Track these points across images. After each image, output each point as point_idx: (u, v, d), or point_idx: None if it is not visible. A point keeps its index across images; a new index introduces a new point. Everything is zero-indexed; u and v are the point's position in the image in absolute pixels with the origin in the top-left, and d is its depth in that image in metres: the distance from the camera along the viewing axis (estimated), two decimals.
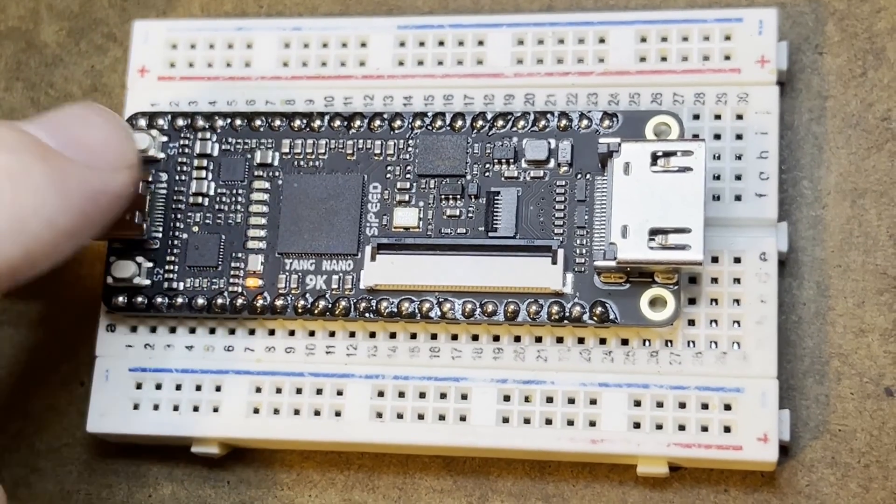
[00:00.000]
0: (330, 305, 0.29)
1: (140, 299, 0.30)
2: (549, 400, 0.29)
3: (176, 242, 0.30)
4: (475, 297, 0.29)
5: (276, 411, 0.30)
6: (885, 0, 0.31)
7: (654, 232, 0.27)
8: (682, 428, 0.28)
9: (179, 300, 0.30)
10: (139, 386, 0.30)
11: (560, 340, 0.29)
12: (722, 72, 0.30)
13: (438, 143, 0.30)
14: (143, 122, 0.31)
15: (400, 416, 0.29)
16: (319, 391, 0.30)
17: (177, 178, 0.31)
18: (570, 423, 0.28)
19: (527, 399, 0.29)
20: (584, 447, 0.28)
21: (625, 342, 0.29)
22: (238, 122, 0.31)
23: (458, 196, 0.29)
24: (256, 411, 0.30)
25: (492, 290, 0.29)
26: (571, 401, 0.29)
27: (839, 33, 0.31)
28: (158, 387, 0.30)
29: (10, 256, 0.25)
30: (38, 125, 0.26)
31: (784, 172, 0.30)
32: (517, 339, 0.29)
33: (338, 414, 0.29)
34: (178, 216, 0.30)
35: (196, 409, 0.30)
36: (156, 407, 0.30)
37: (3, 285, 0.25)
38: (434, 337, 0.29)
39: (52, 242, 0.25)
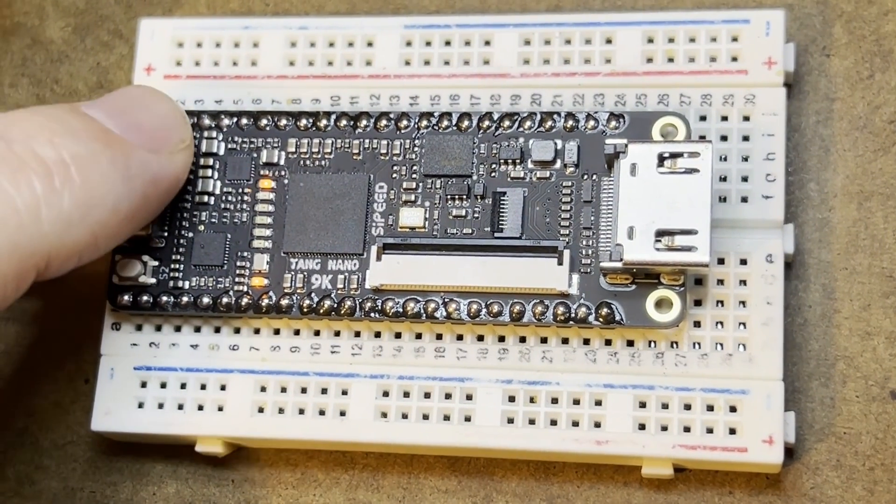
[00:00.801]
0: (335, 305, 0.29)
1: (145, 298, 0.30)
2: (555, 401, 0.29)
3: (181, 241, 0.30)
4: (481, 297, 0.29)
5: (281, 410, 0.30)
6: (892, 2, 0.31)
7: (660, 233, 0.27)
8: (687, 429, 0.28)
9: (185, 299, 0.30)
10: (144, 384, 0.30)
11: (565, 341, 0.29)
12: (729, 73, 0.29)
13: (444, 143, 0.30)
14: None
15: (405, 416, 0.29)
16: (324, 391, 0.30)
17: None
18: (575, 424, 0.28)
19: (532, 400, 0.29)
20: (588, 448, 0.28)
21: (630, 343, 0.29)
22: (244, 121, 0.31)
23: (464, 196, 0.29)
24: (261, 410, 0.30)
25: (497, 290, 0.28)
26: (576, 402, 0.29)
27: (846, 35, 0.31)
28: (163, 385, 0.30)
29: (78, 241, 0.26)
30: (100, 108, 0.27)
31: (791, 174, 0.30)
32: (522, 339, 0.29)
33: (342, 413, 0.29)
34: (184, 215, 0.30)
35: (201, 408, 0.30)
36: (160, 406, 0.30)
37: (70, 266, 0.27)
38: (439, 337, 0.29)
39: (116, 226, 0.27)
